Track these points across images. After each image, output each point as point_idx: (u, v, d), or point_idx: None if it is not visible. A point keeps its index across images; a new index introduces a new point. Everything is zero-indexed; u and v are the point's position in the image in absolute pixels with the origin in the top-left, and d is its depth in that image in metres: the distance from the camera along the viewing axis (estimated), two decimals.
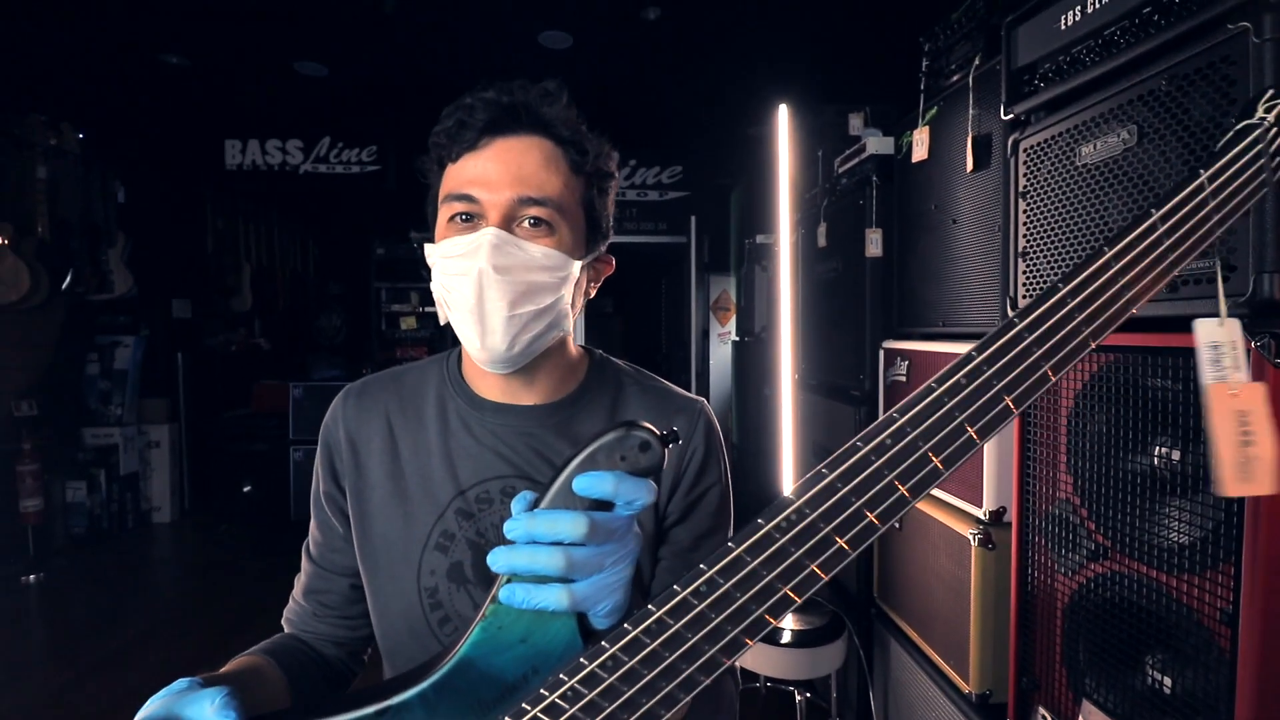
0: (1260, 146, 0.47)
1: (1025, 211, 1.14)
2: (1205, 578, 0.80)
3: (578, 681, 0.42)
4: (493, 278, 0.60)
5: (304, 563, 0.77)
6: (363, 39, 3.36)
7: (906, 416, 0.41)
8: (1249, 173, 0.47)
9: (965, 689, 1.34)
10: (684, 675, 0.42)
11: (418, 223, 0.72)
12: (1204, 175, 0.45)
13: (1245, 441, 0.52)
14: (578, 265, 0.66)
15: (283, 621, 0.77)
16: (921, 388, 0.42)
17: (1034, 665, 1.10)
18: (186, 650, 2.71)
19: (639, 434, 0.44)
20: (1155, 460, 0.88)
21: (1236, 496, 0.67)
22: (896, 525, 1.65)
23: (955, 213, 1.51)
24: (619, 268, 0.76)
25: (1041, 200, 1.10)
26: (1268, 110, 0.48)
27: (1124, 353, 0.92)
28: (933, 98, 1.61)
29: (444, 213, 0.65)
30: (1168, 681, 0.86)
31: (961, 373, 0.42)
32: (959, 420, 0.41)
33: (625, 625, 0.42)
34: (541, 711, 0.43)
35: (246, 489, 4.95)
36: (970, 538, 1.30)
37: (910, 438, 0.41)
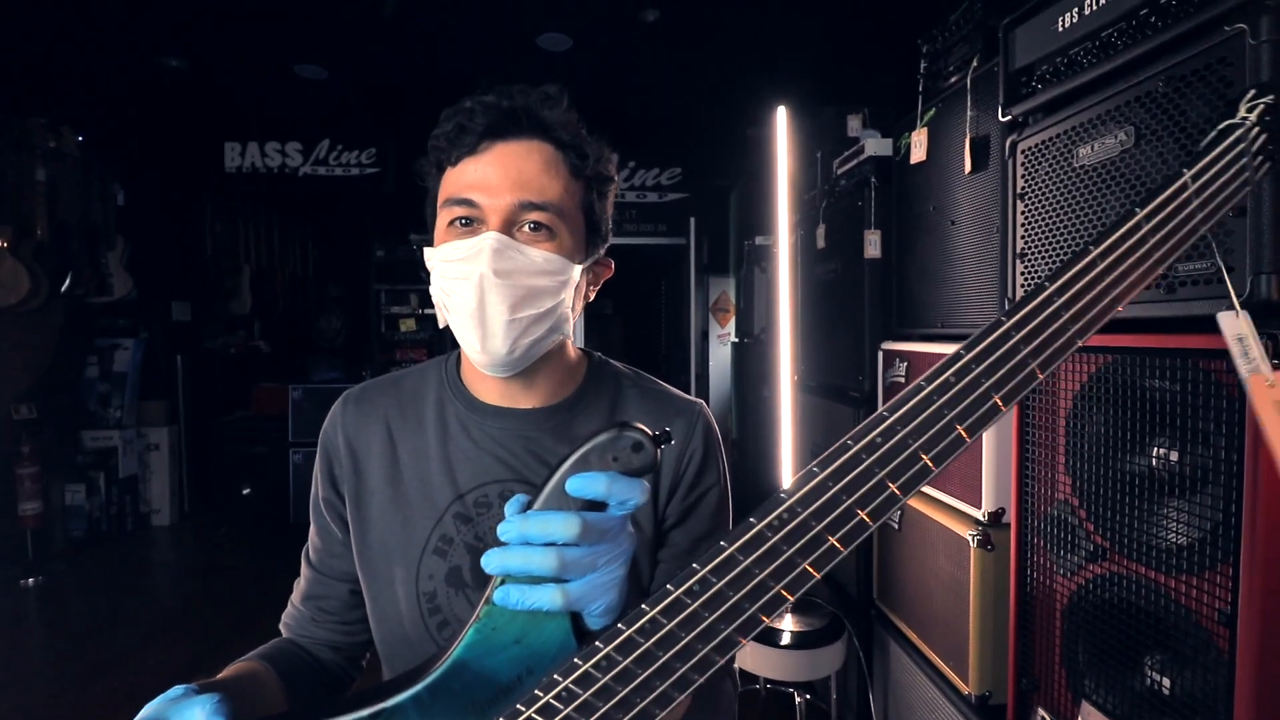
0: (1242, 146, 0.47)
1: (1023, 213, 1.14)
2: (1204, 579, 0.80)
3: (572, 682, 0.42)
4: (493, 282, 0.60)
5: (303, 568, 0.77)
6: (362, 41, 3.37)
7: (896, 415, 0.41)
8: (1231, 172, 0.47)
9: (965, 690, 1.34)
10: (678, 674, 0.42)
11: (417, 225, 0.72)
12: (1187, 174, 0.46)
13: None
14: (578, 269, 0.66)
15: (280, 626, 0.77)
16: (911, 386, 0.42)
17: (1033, 666, 1.10)
18: (186, 653, 2.71)
19: (631, 435, 0.44)
20: (1153, 461, 0.88)
21: None
22: (895, 526, 1.65)
23: (953, 214, 1.52)
24: (619, 269, 0.76)
25: (1039, 201, 1.10)
26: (1250, 110, 0.48)
27: (1122, 354, 0.92)
28: (931, 99, 1.62)
29: (444, 217, 0.65)
30: (1166, 682, 0.86)
31: (950, 371, 0.42)
32: (948, 418, 0.41)
33: (619, 625, 0.42)
34: (536, 712, 0.43)
35: (246, 491, 4.95)
36: (969, 539, 1.30)
37: (900, 436, 0.41)
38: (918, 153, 1.63)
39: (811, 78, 3.59)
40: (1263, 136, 0.48)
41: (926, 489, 1.55)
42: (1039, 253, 1.11)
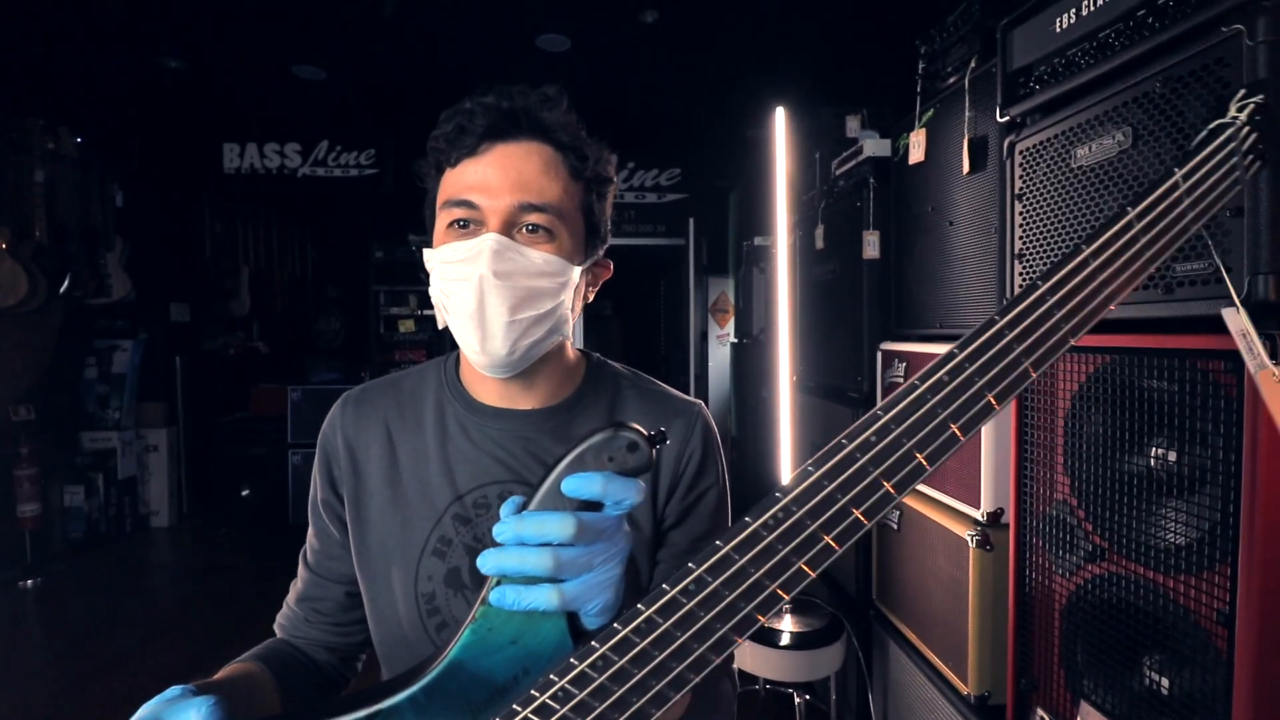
0: (1233, 145, 0.48)
1: (1021, 213, 1.14)
2: (1202, 579, 0.81)
3: (568, 682, 0.42)
4: (493, 283, 0.60)
5: (300, 569, 0.77)
6: (361, 42, 3.37)
7: (891, 414, 0.42)
8: (1222, 170, 0.47)
9: (964, 690, 1.34)
10: (674, 673, 0.42)
11: (416, 226, 0.72)
12: (1178, 174, 0.46)
13: None
14: (577, 270, 0.66)
15: (275, 627, 0.77)
16: (905, 385, 0.42)
17: (1032, 666, 1.10)
18: (185, 654, 2.70)
19: (627, 435, 0.44)
20: (1152, 461, 0.88)
21: None
22: (894, 526, 1.65)
23: (952, 215, 1.52)
24: (618, 270, 0.76)
25: (1037, 202, 1.10)
26: (1240, 109, 0.49)
27: (1120, 354, 0.92)
28: (929, 100, 1.62)
29: (443, 218, 0.65)
30: (1165, 682, 0.86)
31: (944, 370, 0.42)
32: (942, 417, 0.42)
33: (615, 625, 0.42)
34: (532, 712, 0.43)
35: (245, 493, 4.95)
36: (968, 539, 1.31)
37: (894, 434, 0.41)
38: (916, 153, 1.63)
39: (810, 78, 3.60)
40: (1253, 135, 0.48)
41: (925, 489, 1.55)
42: (1037, 253, 1.11)
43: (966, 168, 1.42)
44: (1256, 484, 0.74)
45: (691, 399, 0.77)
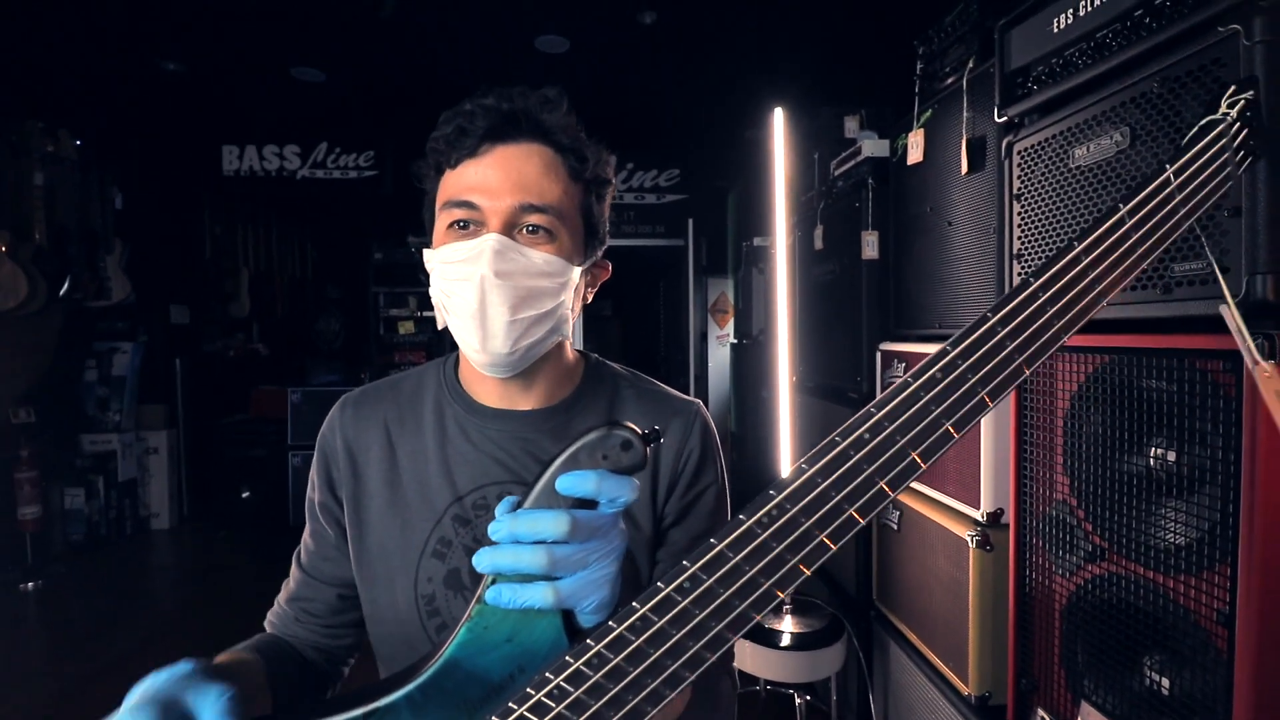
0: (1224, 141, 0.48)
1: (1019, 213, 1.14)
2: (1202, 579, 0.81)
3: (563, 679, 0.42)
4: (494, 283, 0.60)
5: (293, 569, 0.77)
6: (360, 44, 3.37)
7: (884, 411, 0.42)
8: (1214, 167, 0.47)
9: (965, 691, 1.34)
10: (669, 671, 0.42)
11: (415, 227, 0.72)
12: (1170, 170, 0.46)
13: None
14: (577, 271, 0.66)
15: (265, 624, 0.77)
16: (898, 383, 0.42)
17: (1033, 667, 1.10)
18: (185, 656, 2.69)
19: (620, 433, 0.45)
20: (1151, 461, 0.88)
21: None
22: (894, 526, 1.65)
23: (950, 215, 1.52)
24: (617, 271, 0.76)
25: (1035, 202, 1.10)
26: (1230, 106, 0.49)
27: (1119, 354, 0.92)
28: (927, 100, 1.62)
29: (443, 219, 0.65)
30: (1166, 682, 0.86)
31: (937, 367, 0.42)
32: (935, 414, 0.42)
33: (610, 623, 0.42)
34: (528, 710, 0.43)
35: (245, 494, 4.94)
36: (968, 539, 1.31)
37: (888, 432, 0.41)
38: (914, 154, 1.63)
39: (809, 79, 3.60)
40: (1244, 131, 0.49)
41: (925, 489, 1.55)
42: (1035, 253, 1.11)
43: (965, 168, 1.42)
44: (1256, 484, 0.74)
45: (690, 398, 0.77)
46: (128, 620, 3.07)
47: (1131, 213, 0.45)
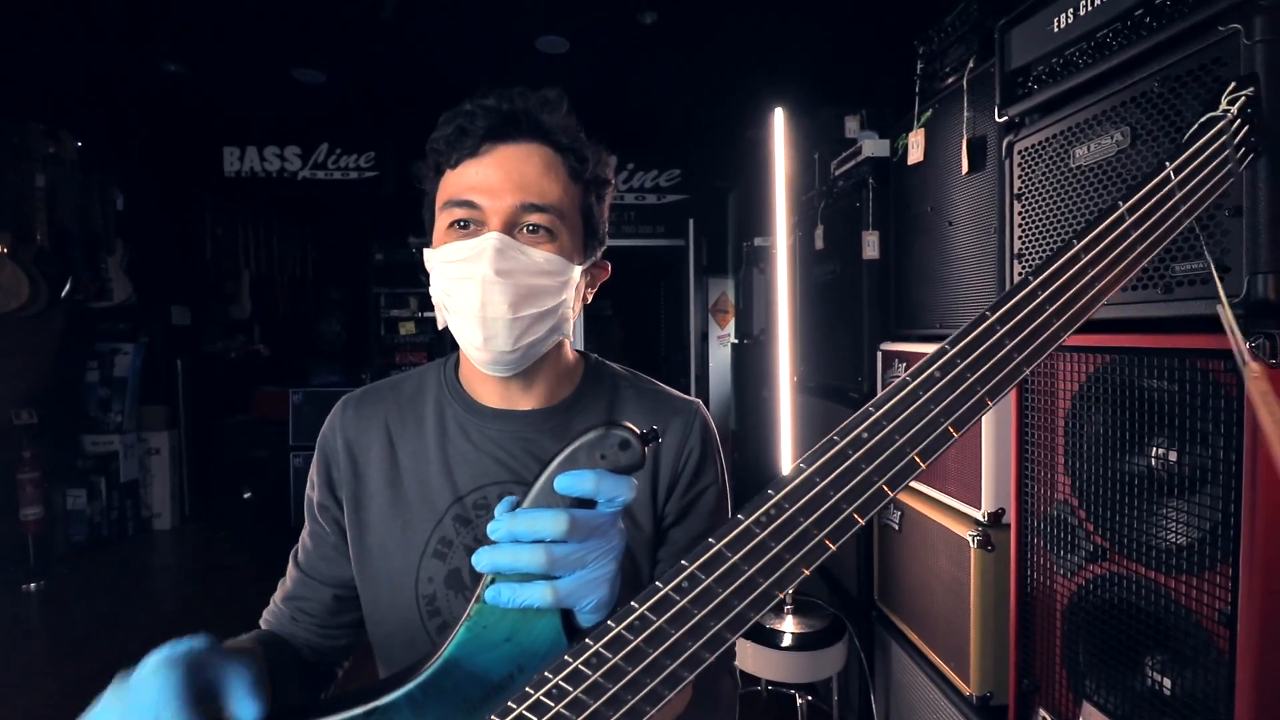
0: (1224, 138, 0.47)
1: (1020, 213, 1.14)
2: (1203, 579, 0.80)
3: (562, 679, 0.42)
4: (496, 281, 0.61)
5: (290, 567, 0.77)
6: (360, 45, 3.37)
7: (882, 410, 0.41)
8: (1214, 164, 0.47)
9: (966, 691, 1.34)
10: (668, 670, 0.42)
11: (416, 228, 0.72)
12: (1170, 167, 0.46)
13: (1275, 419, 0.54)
14: (578, 270, 0.67)
15: (260, 622, 0.77)
16: (897, 382, 0.42)
17: (1034, 667, 1.10)
18: None
19: (618, 433, 0.45)
20: (1153, 461, 0.88)
21: None
22: (895, 527, 1.65)
23: (951, 215, 1.52)
24: (618, 271, 0.76)
25: (1036, 202, 1.10)
26: (1231, 102, 0.48)
27: (1120, 354, 0.92)
28: (928, 100, 1.62)
29: (444, 219, 0.65)
30: (1167, 683, 0.86)
31: (935, 366, 0.42)
32: (934, 413, 0.41)
33: (608, 622, 0.42)
34: (527, 709, 0.43)
35: (246, 495, 4.95)
36: (969, 539, 1.30)
37: (886, 431, 0.41)
38: (915, 153, 1.63)
39: (809, 79, 3.60)
40: (1245, 128, 0.48)
41: (926, 489, 1.55)
42: (1036, 253, 1.11)
43: (965, 168, 1.42)
44: (1257, 483, 0.74)
45: (690, 398, 0.77)
46: (130, 621, 3.08)
47: (1131, 210, 0.44)
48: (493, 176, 0.63)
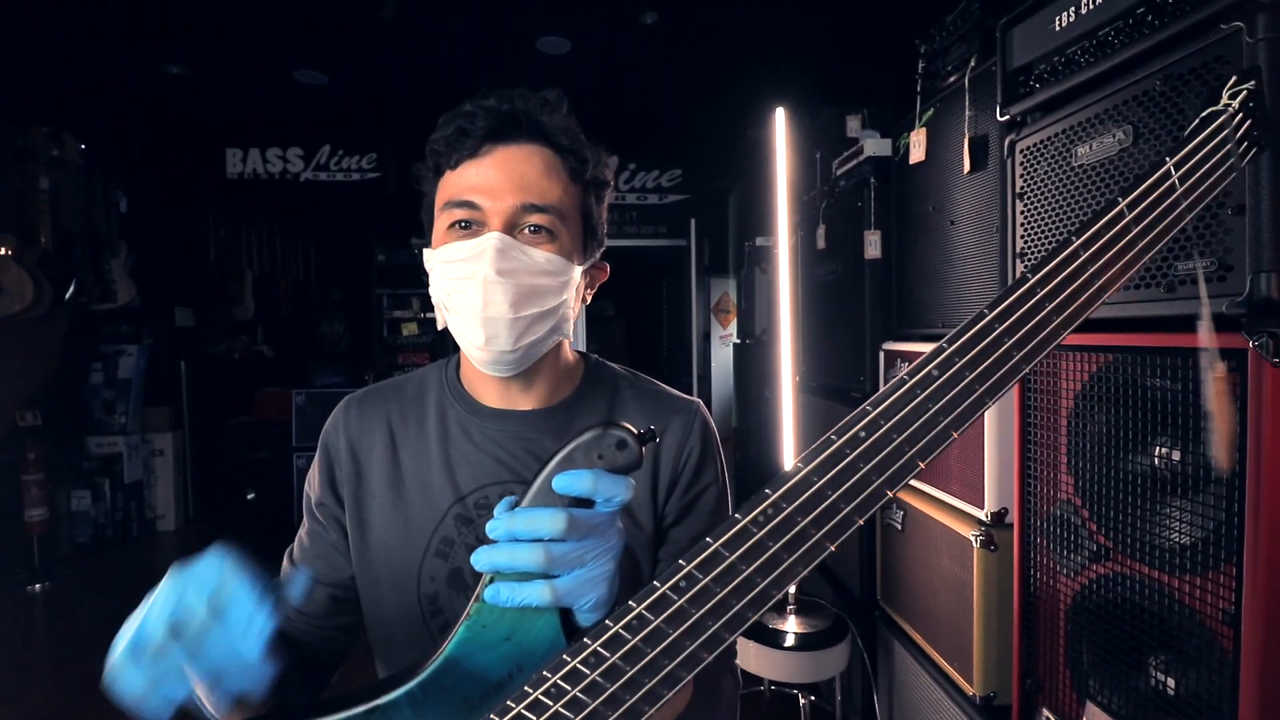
0: (1225, 133, 0.47)
1: (1022, 212, 1.14)
2: (1207, 578, 0.80)
3: (561, 678, 0.42)
4: (497, 281, 0.61)
5: (285, 566, 0.76)
6: (361, 46, 3.38)
7: (880, 409, 0.41)
8: (1215, 159, 0.46)
9: (969, 691, 1.34)
10: (666, 670, 0.42)
11: (418, 229, 0.72)
12: (1170, 163, 0.45)
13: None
14: (578, 270, 0.67)
15: None
16: (894, 380, 0.42)
17: (1037, 667, 1.10)
18: None
19: (616, 433, 0.45)
20: (1156, 460, 0.88)
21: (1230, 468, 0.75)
22: (898, 526, 1.65)
23: (953, 214, 1.51)
24: (620, 271, 0.76)
25: (1038, 201, 1.10)
26: (1232, 97, 0.48)
27: (1123, 353, 0.92)
28: (929, 99, 1.62)
29: (444, 219, 0.65)
30: (1171, 683, 0.85)
31: (933, 364, 0.42)
32: (932, 412, 0.41)
33: (606, 621, 0.42)
34: (526, 708, 0.43)
35: (250, 496, 4.95)
36: (972, 539, 1.30)
37: (884, 430, 0.41)
38: (916, 153, 1.63)
39: (810, 79, 3.59)
40: (1246, 122, 0.48)
41: (929, 489, 1.54)
42: (1038, 252, 1.11)
43: (967, 167, 1.41)
44: (1261, 483, 0.73)
45: (690, 398, 0.78)
46: None
47: (1131, 206, 0.44)
48: (493, 177, 0.63)
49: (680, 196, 4.82)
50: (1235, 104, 0.48)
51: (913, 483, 1.60)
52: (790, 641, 1.80)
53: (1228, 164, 0.47)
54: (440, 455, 0.71)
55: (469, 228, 0.63)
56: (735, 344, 4.08)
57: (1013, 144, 1.16)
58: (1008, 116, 1.17)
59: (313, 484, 0.75)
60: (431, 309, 0.69)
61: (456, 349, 0.72)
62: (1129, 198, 0.44)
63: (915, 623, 1.60)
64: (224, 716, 0.52)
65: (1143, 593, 0.89)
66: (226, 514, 4.77)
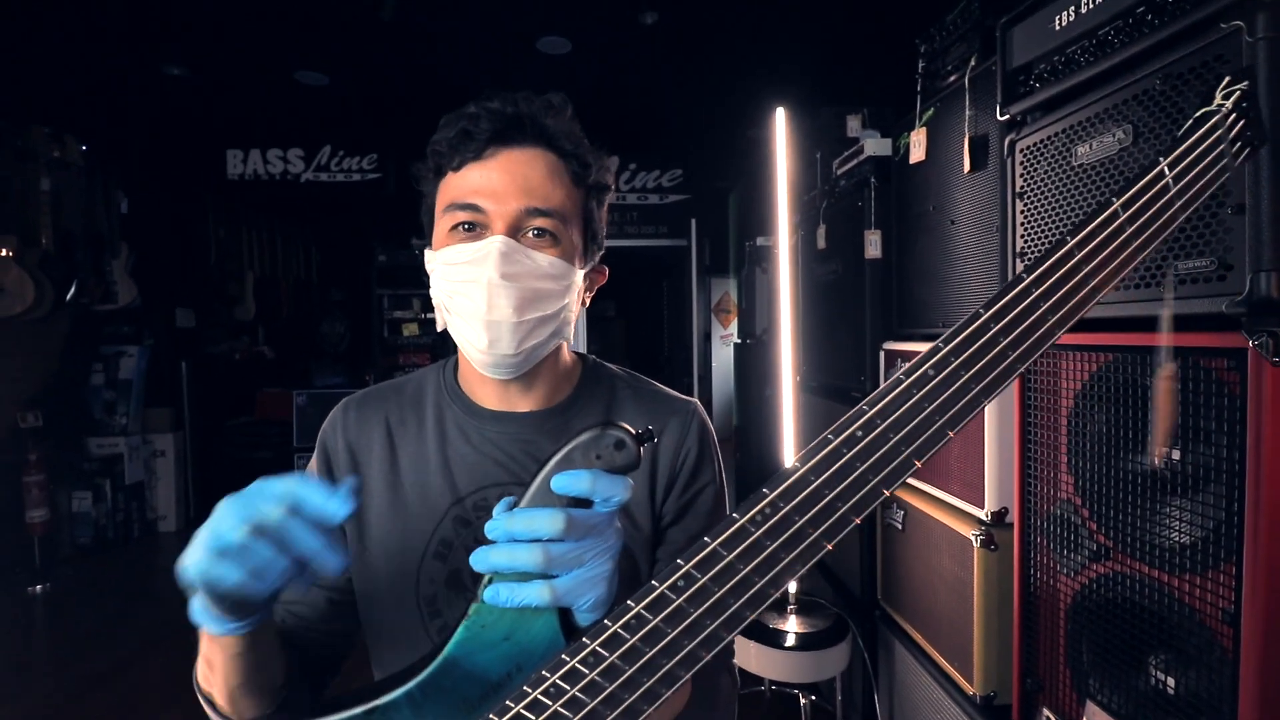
0: (1219, 133, 0.47)
1: (1023, 211, 1.14)
2: (1207, 578, 0.80)
3: (559, 677, 0.43)
4: (501, 285, 0.61)
5: None
6: (362, 47, 3.38)
7: (876, 408, 0.41)
8: (1209, 159, 0.47)
9: (970, 691, 1.34)
10: (665, 669, 0.42)
11: (418, 230, 0.73)
12: (1164, 163, 0.46)
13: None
14: (580, 274, 0.67)
15: None
16: (891, 380, 0.42)
17: (1038, 666, 1.10)
18: (192, 659, 2.71)
19: (614, 433, 0.45)
20: (1156, 460, 0.88)
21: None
22: (898, 526, 1.65)
23: (953, 213, 1.51)
24: (620, 271, 0.77)
25: (1038, 200, 1.10)
26: (1225, 97, 0.48)
27: (1124, 352, 0.92)
28: (929, 99, 1.62)
29: (446, 221, 0.65)
30: (1171, 682, 0.85)
31: (929, 364, 0.42)
32: (928, 411, 0.41)
33: (605, 621, 0.43)
34: (524, 708, 0.43)
35: None
36: (973, 539, 1.30)
37: (880, 429, 0.41)
38: (917, 152, 1.63)
39: (810, 79, 3.60)
40: (1240, 123, 0.48)
41: (929, 489, 1.54)
42: (1038, 251, 1.11)
43: (967, 166, 1.41)
44: (1261, 482, 0.73)
45: (687, 398, 0.78)
46: (135, 623, 3.09)
47: (1125, 206, 0.44)
48: (497, 180, 0.63)
49: (680, 196, 4.82)
50: (1229, 104, 0.48)
51: (913, 482, 1.61)
52: (791, 641, 1.80)
53: (1221, 164, 0.47)
54: (438, 457, 0.71)
55: (472, 230, 0.64)
56: (736, 344, 4.08)
57: (1013, 143, 1.16)
58: (1008, 116, 1.17)
59: None
60: (432, 310, 0.69)
61: (456, 350, 0.72)
62: (1123, 198, 0.44)
63: (916, 622, 1.60)
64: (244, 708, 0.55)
65: (1143, 592, 0.89)
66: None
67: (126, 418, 4.23)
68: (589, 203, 0.69)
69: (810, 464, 0.41)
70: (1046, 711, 1.08)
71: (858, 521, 0.41)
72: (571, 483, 0.45)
